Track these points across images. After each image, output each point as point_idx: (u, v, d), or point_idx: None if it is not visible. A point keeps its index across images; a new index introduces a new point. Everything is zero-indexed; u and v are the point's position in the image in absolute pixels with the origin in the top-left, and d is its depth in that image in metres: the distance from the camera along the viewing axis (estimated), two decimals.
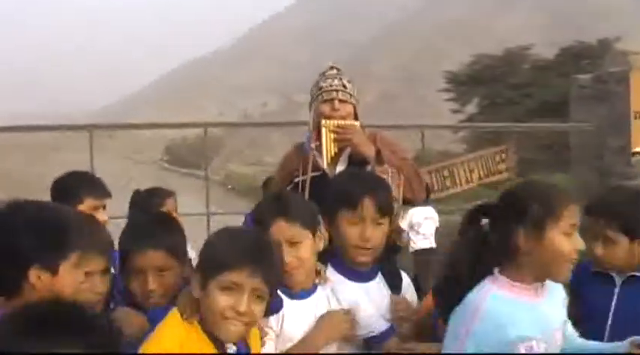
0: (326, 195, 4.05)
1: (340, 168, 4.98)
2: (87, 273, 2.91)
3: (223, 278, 2.96)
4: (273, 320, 3.51)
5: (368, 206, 3.79)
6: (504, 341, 2.86)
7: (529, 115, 24.62)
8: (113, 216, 5.89)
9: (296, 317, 3.58)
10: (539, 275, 3.06)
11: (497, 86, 29.09)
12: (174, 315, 3.03)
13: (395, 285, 3.97)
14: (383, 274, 3.97)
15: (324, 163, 4.97)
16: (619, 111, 10.90)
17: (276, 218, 3.55)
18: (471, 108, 30.79)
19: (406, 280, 4.05)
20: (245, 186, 39.09)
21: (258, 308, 3.03)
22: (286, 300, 3.58)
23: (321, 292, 3.71)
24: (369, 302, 3.82)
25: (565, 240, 2.99)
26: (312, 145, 5.09)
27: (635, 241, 3.80)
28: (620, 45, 27.72)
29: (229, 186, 41.32)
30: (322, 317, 3.60)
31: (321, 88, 5.13)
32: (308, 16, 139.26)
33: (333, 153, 4.98)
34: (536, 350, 2.88)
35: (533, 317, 2.95)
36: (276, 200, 3.71)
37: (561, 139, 16.45)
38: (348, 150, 5.00)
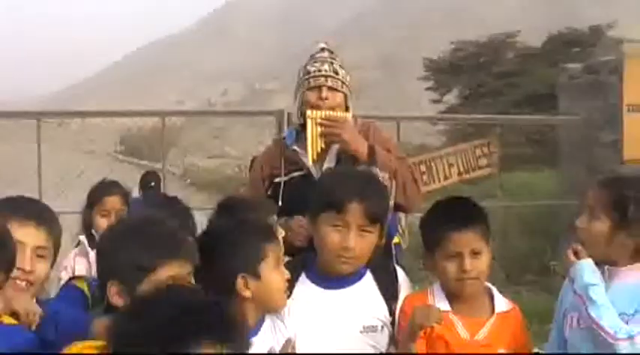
0: (311, 194, 3.97)
1: (328, 166, 4.79)
2: None
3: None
4: None
5: (355, 211, 3.72)
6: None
7: (514, 107, 24.66)
8: (64, 210, 5.86)
9: None
10: None
11: (480, 75, 29.12)
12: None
13: (390, 282, 3.95)
14: (375, 273, 3.93)
15: (309, 161, 4.77)
16: (611, 103, 10.94)
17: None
18: (452, 98, 30.81)
19: (401, 275, 4.01)
20: (205, 180, 38.94)
21: None
22: None
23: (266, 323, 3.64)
24: (340, 311, 3.79)
25: None
26: (293, 140, 4.92)
27: None
28: (614, 32, 27.84)
29: (188, 180, 41.15)
30: None
31: (308, 73, 4.89)
32: None
33: (319, 150, 4.77)
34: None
35: None
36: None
37: (549, 133, 16.53)
38: (336, 147, 4.79)
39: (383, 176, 4.55)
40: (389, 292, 3.91)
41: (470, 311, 3.81)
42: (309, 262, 3.90)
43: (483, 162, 11.05)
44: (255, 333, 3.51)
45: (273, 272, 3.53)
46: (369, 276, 3.91)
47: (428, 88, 32.19)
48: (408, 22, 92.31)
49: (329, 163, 4.82)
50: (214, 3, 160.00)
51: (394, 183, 4.67)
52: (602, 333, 3.64)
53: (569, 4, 76.83)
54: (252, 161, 11.52)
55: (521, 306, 3.98)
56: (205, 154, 53.93)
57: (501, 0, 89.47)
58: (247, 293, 3.48)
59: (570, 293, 3.88)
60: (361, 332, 3.75)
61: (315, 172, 4.79)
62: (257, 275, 3.49)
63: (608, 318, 3.66)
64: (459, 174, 10.91)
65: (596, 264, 3.86)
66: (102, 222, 5.87)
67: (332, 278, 3.82)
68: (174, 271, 2.98)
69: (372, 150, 4.66)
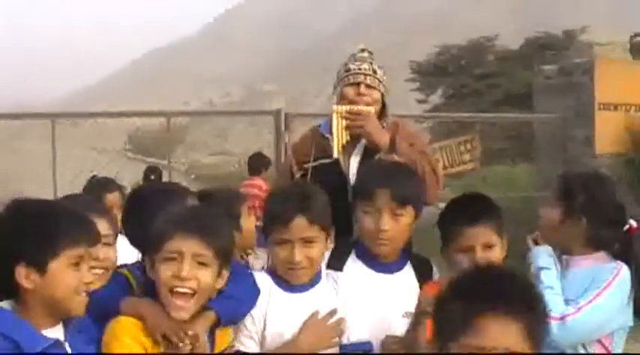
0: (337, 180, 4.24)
1: (355, 157, 4.78)
2: (75, 265, 2.86)
3: (164, 250, 3.02)
4: (252, 319, 3.52)
5: (383, 196, 3.76)
6: None
7: (494, 106, 24.69)
8: None
9: (293, 310, 3.58)
10: None
11: (462, 76, 29.14)
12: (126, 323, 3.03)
13: (425, 275, 3.96)
14: (413, 265, 3.96)
15: (335, 151, 4.74)
16: (584, 102, 10.99)
17: (297, 215, 3.55)
18: (437, 98, 30.82)
19: (435, 267, 4.03)
20: (208, 176, 38.94)
21: (203, 274, 3.03)
22: (284, 294, 3.61)
23: (323, 283, 3.71)
24: (387, 295, 3.82)
25: None
26: (328, 129, 4.87)
27: None
28: (585, 36, 27.85)
29: (192, 176, 41.16)
30: (307, 324, 3.55)
31: (348, 70, 4.86)
32: (273, 4, 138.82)
33: (344, 141, 4.75)
34: None
35: None
36: (300, 197, 3.64)
37: (526, 130, 16.51)
38: (364, 139, 4.77)
39: (397, 159, 4.53)
40: (424, 281, 3.91)
41: None
42: (360, 244, 3.93)
43: (467, 157, 11.07)
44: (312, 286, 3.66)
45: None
46: (409, 266, 3.94)
47: (415, 89, 32.18)
48: (402, 27, 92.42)
49: (356, 154, 4.79)
50: (215, 12, 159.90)
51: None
52: None
53: (544, 9, 76.93)
54: (250, 158, 11.71)
55: None
56: (208, 151, 53.94)
57: (483, 6, 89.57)
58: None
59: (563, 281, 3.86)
60: (403, 316, 3.75)
61: (342, 161, 4.77)
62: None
63: (547, 297, 3.66)
64: (444, 168, 10.90)
65: (559, 255, 3.87)
66: None
67: (381, 263, 3.85)
68: (177, 246, 3.08)
69: (393, 142, 4.63)
